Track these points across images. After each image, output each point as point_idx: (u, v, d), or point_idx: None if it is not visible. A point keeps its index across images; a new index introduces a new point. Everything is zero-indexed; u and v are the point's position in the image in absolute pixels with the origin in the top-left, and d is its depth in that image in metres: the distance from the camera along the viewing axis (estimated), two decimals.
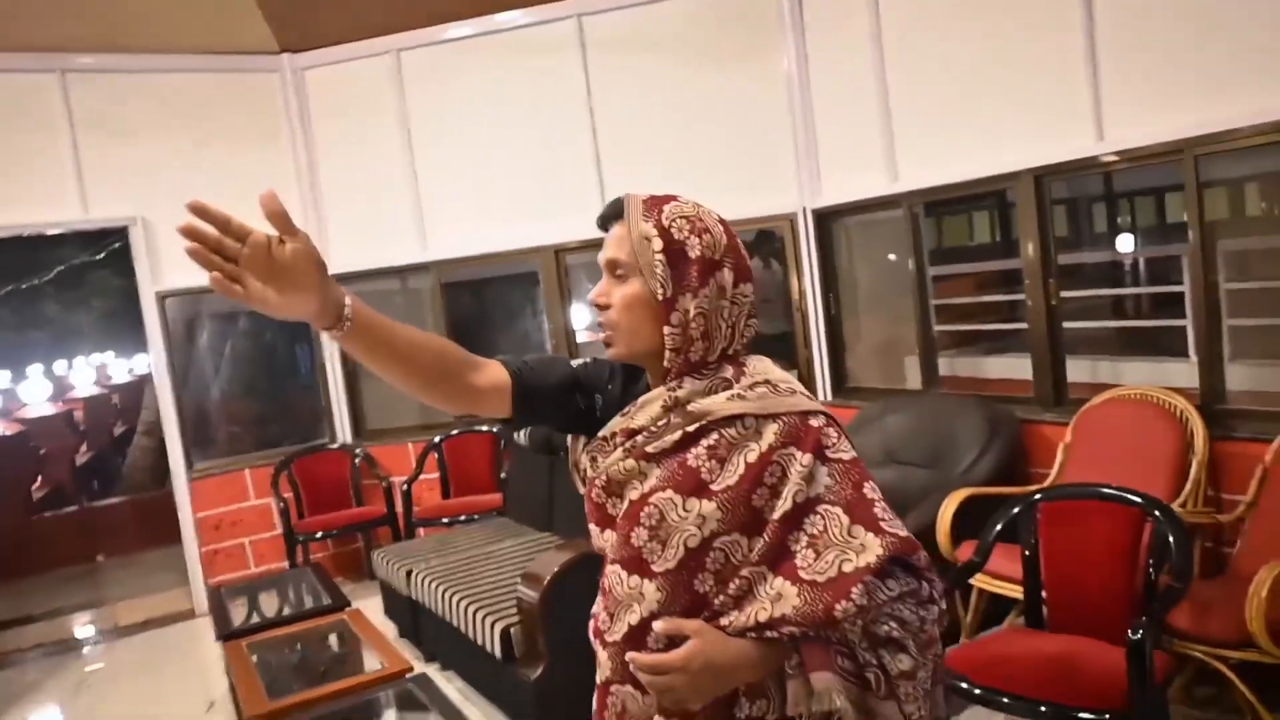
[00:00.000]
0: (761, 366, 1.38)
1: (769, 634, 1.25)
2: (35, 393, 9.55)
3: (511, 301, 6.10)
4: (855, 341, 5.19)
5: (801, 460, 1.29)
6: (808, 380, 4.99)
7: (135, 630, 5.42)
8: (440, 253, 5.72)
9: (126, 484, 8.56)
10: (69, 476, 8.80)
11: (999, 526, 2.84)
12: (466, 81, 5.58)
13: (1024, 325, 4.07)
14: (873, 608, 1.24)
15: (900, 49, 4.44)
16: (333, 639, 3.68)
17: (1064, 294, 3.95)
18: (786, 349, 5.18)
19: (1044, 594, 2.75)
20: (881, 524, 1.28)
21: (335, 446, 5.89)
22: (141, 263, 5.37)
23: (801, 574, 1.26)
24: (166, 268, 5.43)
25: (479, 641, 3.43)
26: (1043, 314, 3.92)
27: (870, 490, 1.31)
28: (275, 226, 1.13)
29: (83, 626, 5.71)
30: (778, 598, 1.25)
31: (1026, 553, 2.78)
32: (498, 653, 3.28)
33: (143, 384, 10.47)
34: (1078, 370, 4.05)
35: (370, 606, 4.48)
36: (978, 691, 2.44)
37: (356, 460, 5.84)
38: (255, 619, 3.98)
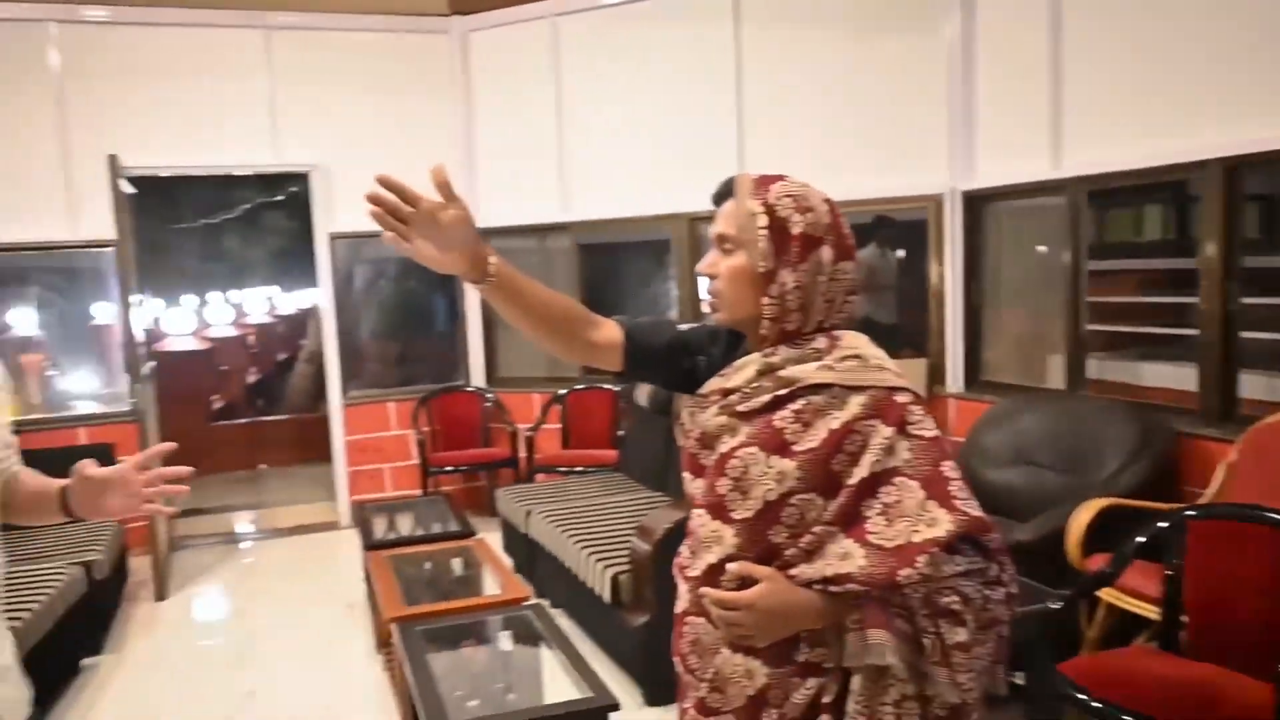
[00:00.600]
0: (855, 341, 1.46)
1: (833, 589, 1.35)
2: (218, 316, 10.55)
3: (643, 267, 6.41)
4: (994, 334, 4.94)
5: (883, 433, 1.37)
6: (939, 371, 4.92)
7: (287, 533, 6.11)
8: (579, 214, 6.07)
9: (287, 404, 9.42)
10: (241, 393, 9.77)
11: (1141, 540, 2.68)
12: (618, 49, 5.85)
13: (1193, 331, 3.75)
14: (936, 578, 1.32)
15: (1081, 17, 4.13)
16: (458, 562, 4.12)
17: (1244, 300, 3.58)
18: (897, 338, 5.17)
19: (1184, 618, 2.59)
20: (955, 501, 1.35)
21: (470, 389, 6.38)
22: (318, 205, 5.94)
23: (870, 538, 1.35)
24: (339, 211, 5.99)
25: (589, 584, 3.79)
26: (1217, 321, 3.58)
27: (948, 469, 1.37)
28: (440, 195, 1.40)
29: (244, 524, 6.45)
30: (845, 556, 1.35)
31: (1169, 572, 2.61)
32: (607, 597, 3.63)
33: (305, 316, 11.38)
34: (1252, 385, 3.68)
35: (490, 540, 4.92)
36: (1097, 705, 2.27)
37: (487, 404, 6.32)
38: (393, 535, 4.48)
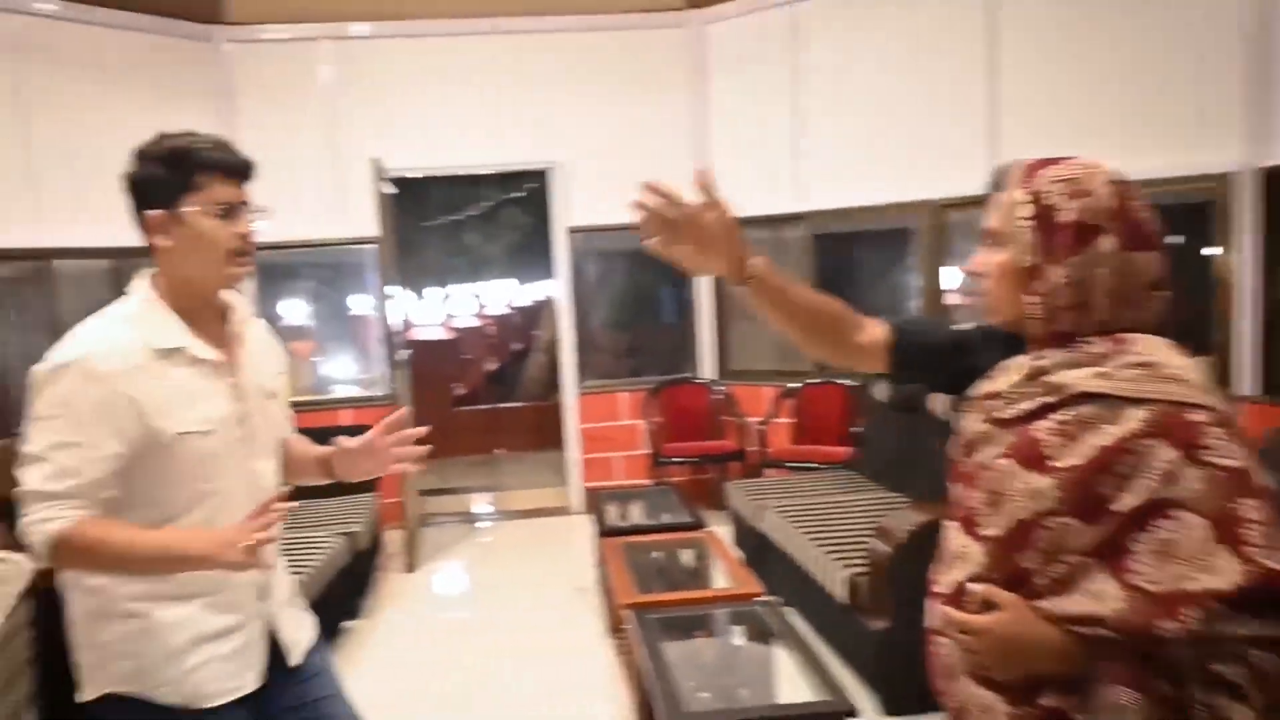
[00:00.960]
0: (1150, 347, 1.24)
1: (1081, 630, 1.18)
2: (461, 308, 11.24)
3: (881, 258, 6.13)
4: None
5: (1165, 456, 1.16)
6: (1224, 370, 4.35)
7: (522, 516, 6.36)
8: (815, 204, 5.89)
9: (523, 392, 9.85)
10: (480, 380, 10.33)
11: None
12: (859, 34, 5.63)
13: None
14: (1211, 640, 1.11)
15: None
16: (688, 554, 4.09)
17: None
18: (1165, 336, 4.61)
19: None
20: (1250, 548, 1.12)
21: (700, 381, 6.37)
22: (557, 200, 6.13)
23: (1133, 578, 1.16)
24: (576, 206, 6.16)
25: (824, 584, 3.65)
26: None
27: (1251, 510, 1.14)
28: (703, 196, 1.39)
29: (481, 505, 6.77)
30: (1099, 595, 1.17)
31: None
32: (842, 598, 3.48)
33: (540, 308, 11.86)
34: None
35: (720, 533, 4.88)
36: None
37: (717, 396, 6.28)
38: (625, 523, 4.52)
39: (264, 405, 1.77)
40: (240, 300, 1.79)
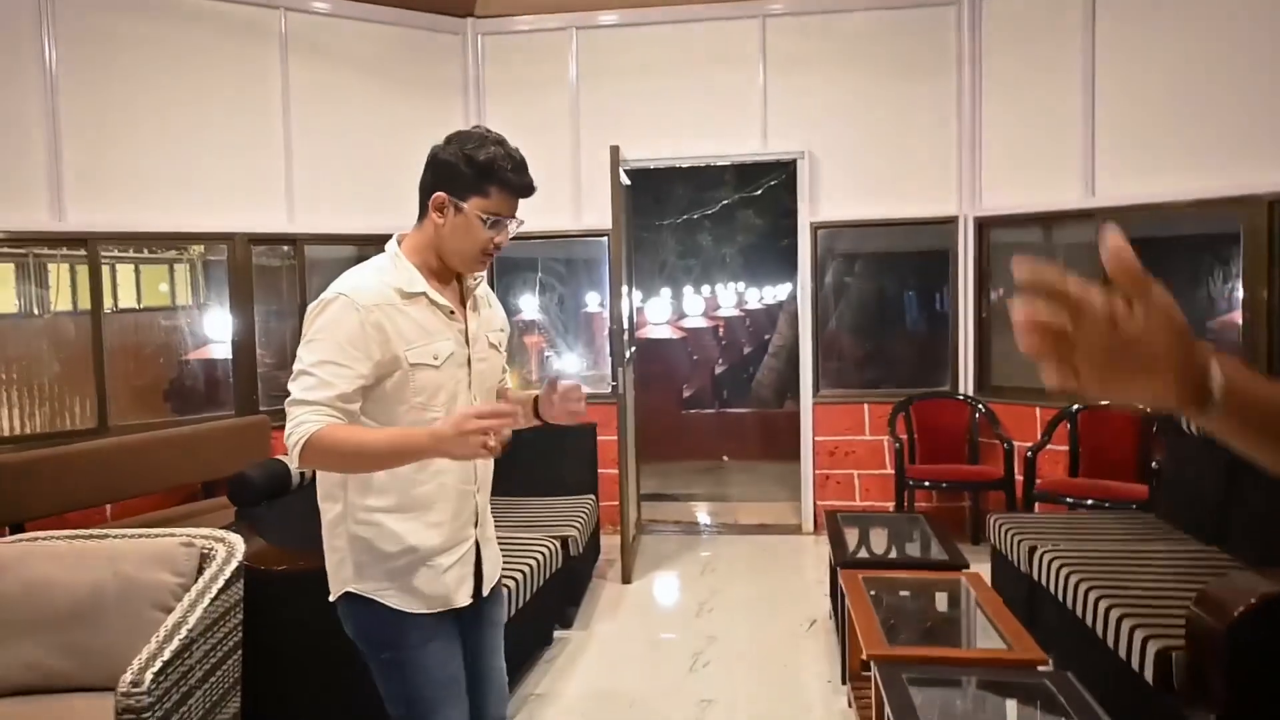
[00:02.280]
0: None
1: None
2: (693, 307, 10.99)
3: (1191, 265, 5.17)
4: None
5: None
6: None
7: (749, 531, 5.91)
8: (1109, 199, 5.04)
9: (753, 397, 9.43)
10: (709, 382, 10.00)
11: None
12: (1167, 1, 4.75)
13: None
14: None
15: None
16: (943, 596, 3.50)
17: None
18: None
19: None
20: None
21: (958, 397, 5.67)
22: (803, 194, 5.65)
23: None
24: (823, 201, 5.65)
25: (1122, 655, 2.96)
26: None
27: None
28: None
29: (705, 515, 6.39)
30: None
31: None
32: (1149, 676, 2.78)
33: (772, 311, 11.39)
34: None
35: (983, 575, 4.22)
36: None
37: (978, 415, 5.56)
38: (868, 553, 3.97)
39: (487, 354, 2.03)
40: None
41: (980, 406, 5.55)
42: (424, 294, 1.89)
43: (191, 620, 2.23)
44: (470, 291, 2.00)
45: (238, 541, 2.55)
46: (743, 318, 14.30)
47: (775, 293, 17.51)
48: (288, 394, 1.79)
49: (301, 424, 1.73)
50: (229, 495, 3.16)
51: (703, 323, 11.25)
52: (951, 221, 5.65)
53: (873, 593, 3.30)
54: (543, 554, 3.79)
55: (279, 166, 5.12)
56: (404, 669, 1.92)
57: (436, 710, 1.93)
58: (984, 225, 5.62)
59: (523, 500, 4.68)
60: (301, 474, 3.33)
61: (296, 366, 1.80)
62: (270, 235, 5.12)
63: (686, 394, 9.15)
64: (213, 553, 2.49)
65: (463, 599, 1.96)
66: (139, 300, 5.53)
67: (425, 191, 1.94)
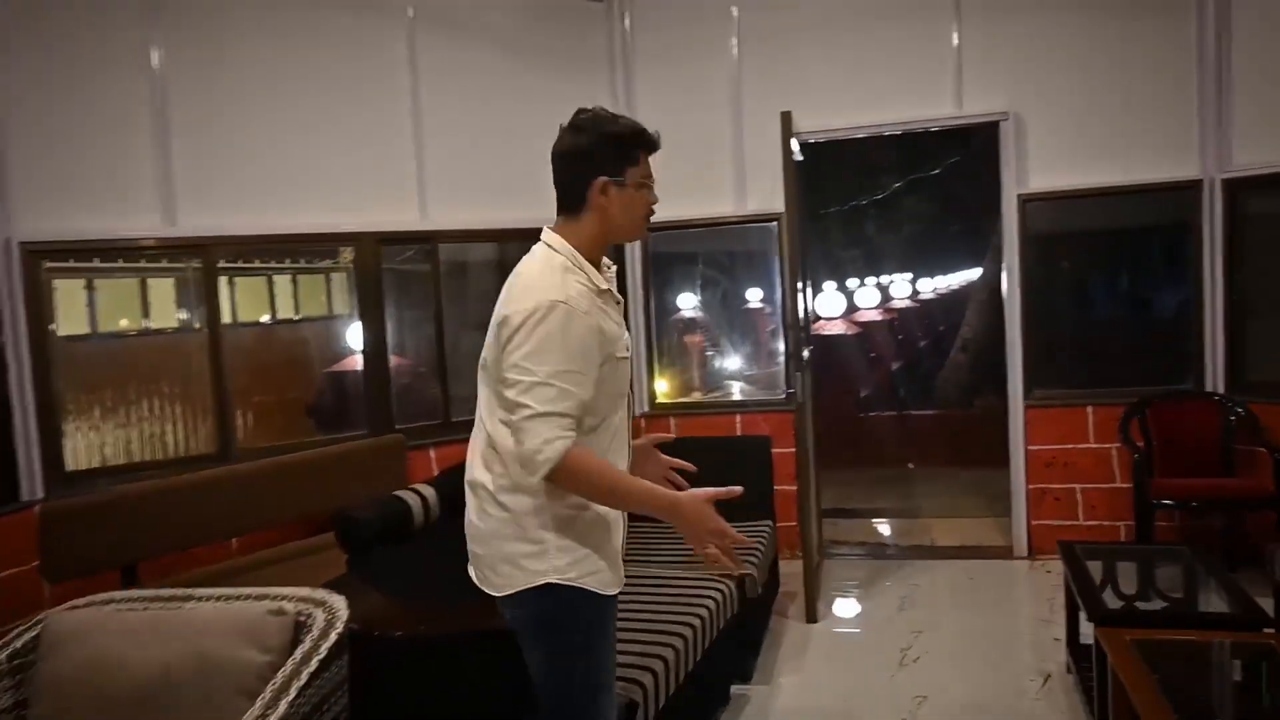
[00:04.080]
0: None
1: None
2: (866, 300, 10.12)
3: None
4: None
5: None
6: None
7: (949, 554, 5.12)
8: None
9: (937, 397, 8.52)
10: (886, 382, 9.13)
11: None
12: None
13: None
14: None
15: None
16: (1238, 665, 2.66)
17: None
18: None
19: None
20: None
21: (1206, 396, 4.69)
22: (1008, 162, 4.82)
23: None
24: (1033, 169, 4.81)
25: None
26: None
27: None
28: None
29: (896, 534, 5.63)
30: None
31: None
32: None
33: (948, 301, 10.38)
34: None
35: None
36: None
37: (1232, 419, 4.57)
38: (1120, 599, 3.16)
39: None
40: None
41: (1237, 408, 4.57)
42: (609, 290, 1.98)
43: (281, 708, 1.77)
44: (610, 278, 2.03)
45: (339, 605, 2.08)
46: (916, 309, 13.26)
47: (947, 281, 16.33)
48: (527, 407, 1.80)
49: (553, 441, 1.79)
50: (337, 538, 2.71)
51: (876, 316, 10.36)
52: (1193, 186, 4.69)
53: (1150, 662, 2.52)
54: (716, 600, 3.19)
55: (409, 157, 4.62)
56: (592, 651, 1.97)
57: (608, 689, 2.02)
58: (1236, 188, 4.62)
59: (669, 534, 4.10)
60: (426, 513, 2.87)
61: (526, 379, 1.81)
62: (402, 234, 4.61)
63: (863, 395, 8.34)
64: (309, 620, 2.03)
65: (621, 583, 2.04)
66: (296, 311, 5.16)
67: (574, 185, 1.96)
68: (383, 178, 4.56)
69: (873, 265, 15.15)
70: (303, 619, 2.04)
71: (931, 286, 15.76)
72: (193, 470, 3.81)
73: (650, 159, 2.00)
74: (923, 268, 15.79)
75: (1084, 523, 4.88)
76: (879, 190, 13.60)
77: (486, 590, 1.98)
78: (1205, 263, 4.72)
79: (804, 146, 4.86)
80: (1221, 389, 4.71)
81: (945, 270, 16.14)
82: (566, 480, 1.82)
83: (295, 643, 1.98)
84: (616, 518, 1.99)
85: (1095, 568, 3.42)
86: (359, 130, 4.47)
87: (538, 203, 5.13)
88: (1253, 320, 4.68)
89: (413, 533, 2.83)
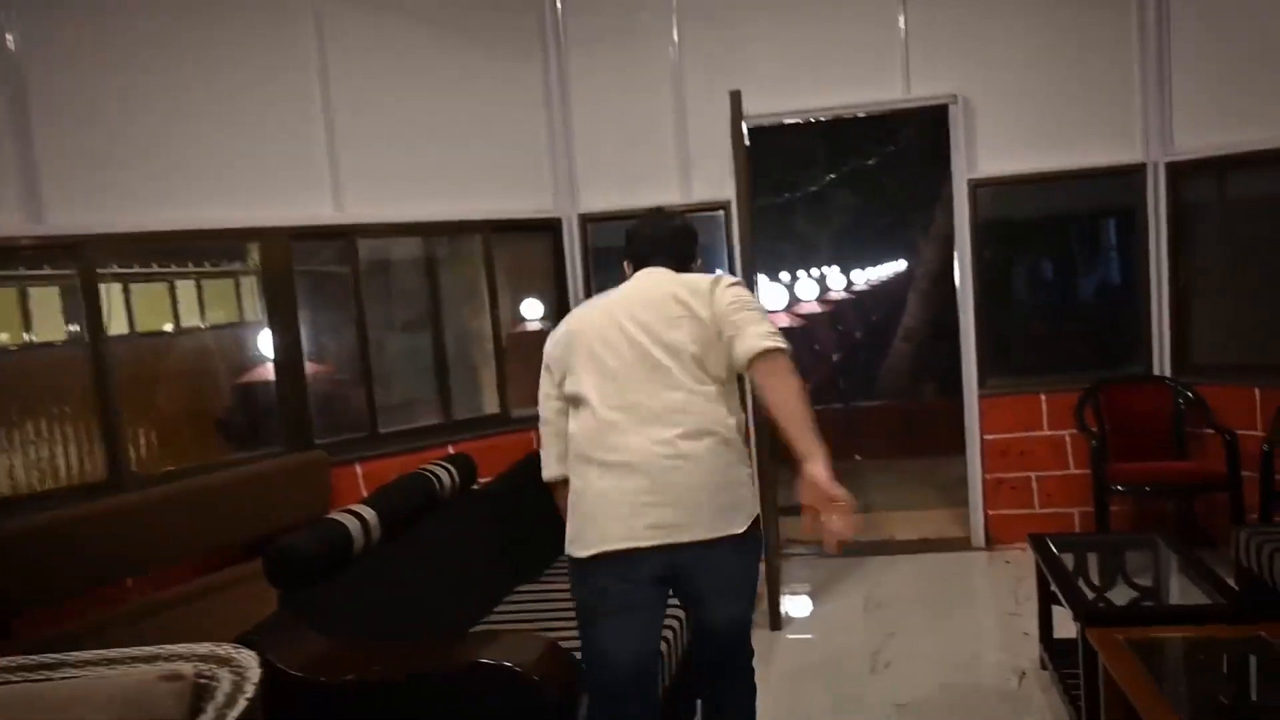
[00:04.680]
0: None
1: None
2: (807, 292, 10.05)
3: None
4: None
5: None
6: None
7: (908, 549, 5.01)
8: None
9: (882, 388, 8.49)
10: (829, 374, 9.07)
11: None
12: None
13: None
14: None
15: None
16: (1253, 660, 2.57)
17: None
18: None
19: None
20: None
21: (1156, 380, 4.68)
22: (958, 146, 4.73)
23: None
24: (982, 153, 4.73)
25: None
26: None
27: None
28: None
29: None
30: None
31: None
32: None
33: (891, 290, 10.38)
34: None
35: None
36: None
37: (1181, 402, 4.56)
38: (1097, 591, 3.06)
39: None
40: None
41: (1187, 391, 4.56)
42: None
43: None
44: None
45: (249, 664, 1.75)
46: (852, 300, 13.30)
47: (878, 273, 16.48)
48: (766, 321, 2.24)
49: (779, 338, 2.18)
50: (266, 572, 2.42)
51: (817, 308, 10.31)
52: (1138, 170, 4.67)
53: (1147, 664, 2.41)
54: (674, 628, 3.00)
55: (319, 144, 4.18)
56: (579, 616, 2.29)
57: (589, 662, 2.27)
58: (1178, 172, 4.61)
59: None
60: (367, 537, 2.61)
61: (758, 310, 2.25)
62: (315, 229, 4.16)
63: (809, 388, 8.24)
64: (213, 684, 1.70)
65: None
66: (203, 318, 4.73)
67: (691, 255, 2.56)
68: (291, 167, 4.13)
69: (805, 259, 15.19)
70: (205, 682, 1.72)
71: (864, 278, 15.89)
72: (82, 501, 3.31)
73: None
74: (852, 260, 15.91)
75: (1040, 511, 4.84)
76: (810, 184, 13.64)
77: None
78: (1150, 246, 4.70)
79: (749, 132, 4.70)
80: (1168, 372, 4.70)
81: (875, 262, 16.28)
82: (786, 371, 2.15)
83: (196, 713, 1.66)
84: (582, 487, 2.23)
85: (1068, 560, 3.33)
86: (263, 114, 4.03)
87: (466, 194, 4.93)
88: (1197, 303, 4.68)
89: (352, 560, 2.58)
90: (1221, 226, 4.64)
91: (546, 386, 2.42)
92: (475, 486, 3.49)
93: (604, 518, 2.18)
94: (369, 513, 2.68)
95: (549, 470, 2.41)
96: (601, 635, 2.21)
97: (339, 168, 4.25)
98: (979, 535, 4.89)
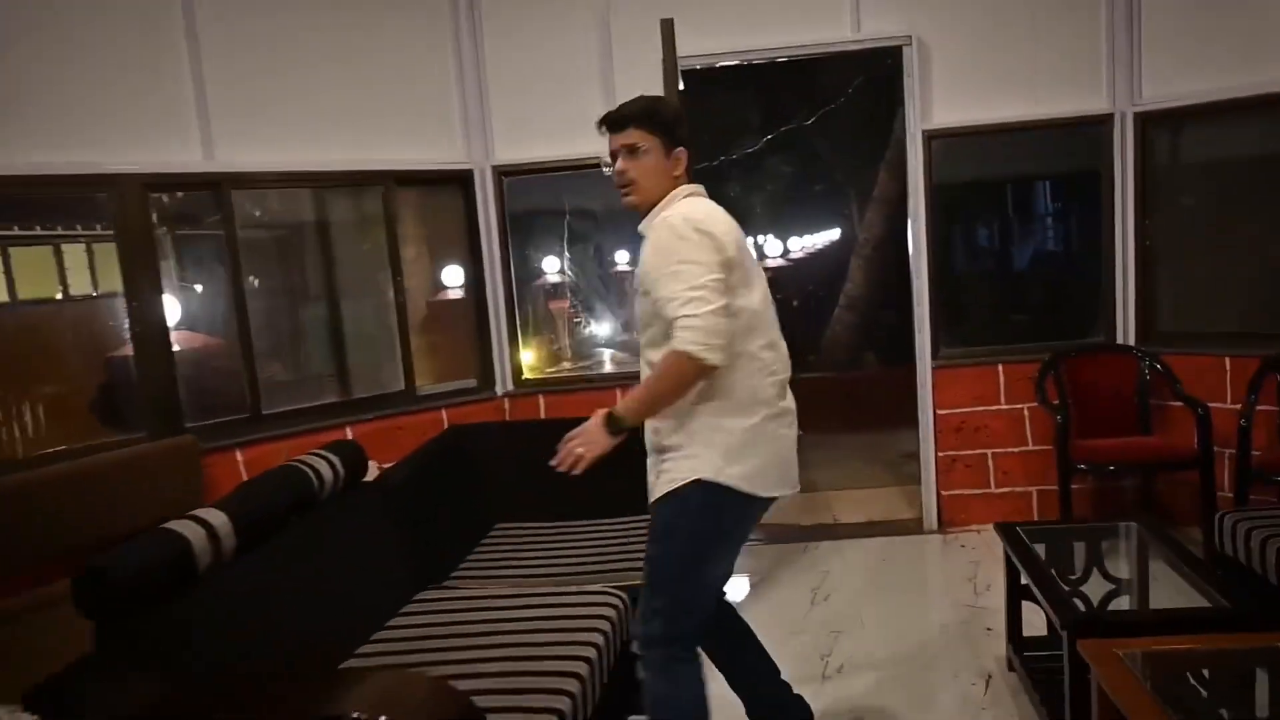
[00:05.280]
0: None
1: None
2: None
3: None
4: None
5: None
6: None
7: (856, 532, 4.64)
8: None
9: (824, 358, 8.12)
10: None
11: None
12: None
13: None
14: None
15: None
16: (1261, 670, 2.22)
17: None
18: None
19: None
20: None
21: (1121, 350, 4.37)
22: (911, 93, 4.32)
23: None
24: (937, 101, 4.33)
25: None
26: None
27: None
28: None
29: (797, 511, 5.12)
30: None
31: None
32: None
33: (829, 257, 10.04)
34: None
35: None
36: None
37: (1147, 373, 4.26)
38: (1078, 595, 2.69)
39: (639, 299, 2.22)
40: (659, 211, 2.23)
41: (1155, 363, 4.25)
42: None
43: None
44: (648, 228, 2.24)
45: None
46: (790, 268, 12.96)
47: (813, 241, 16.20)
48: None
49: None
50: (74, 600, 1.89)
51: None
52: (1104, 121, 4.32)
53: (1153, 685, 2.04)
54: (610, 617, 2.56)
55: (183, 78, 3.55)
56: None
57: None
58: (1147, 122, 4.27)
59: (558, 530, 3.46)
60: (216, 550, 2.10)
61: (684, 284, 2.05)
62: (178, 176, 3.55)
63: None
64: None
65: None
66: (64, 286, 4.09)
67: None
68: (148, 105, 3.48)
69: (740, 226, 14.81)
70: None
71: (802, 245, 15.59)
72: None
73: (607, 137, 2.30)
74: (789, 227, 15.57)
75: (997, 490, 4.51)
76: (743, 147, 13.19)
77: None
78: (1116, 205, 4.37)
79: (682, 76, 4.22)
80: (1133, 341, 4.39)
81: (813, 229, 15.97)
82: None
83: None
84: (772, 430, 2.24)
85: (1042, 552, 2.97)
86: (113, 40, 3.39)
87: (364, 142, 4.32)
88: (1164, 266, 4.37)
89: (197, 580, 2.06)
90: (1191, 184, 4.32)
91: (719, 274, 2.06)
92: (367, 479, 2.98)
93: (789, 465, 2.27)
94: (218, 518, 2.16)
95: (720, 357, 2.03)
96: (720, 567, 2.28)
97: (207, 106, 3.63)
98: (931, 517, 4.55)
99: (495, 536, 3.47)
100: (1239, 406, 3.95)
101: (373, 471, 3.29)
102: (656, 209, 2.21)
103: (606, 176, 3.42)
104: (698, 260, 2.03)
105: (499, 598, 2.74)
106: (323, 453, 2.74)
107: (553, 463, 2.08)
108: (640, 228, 2.25)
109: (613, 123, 2.24)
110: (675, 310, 2.01)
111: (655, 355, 2.12)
